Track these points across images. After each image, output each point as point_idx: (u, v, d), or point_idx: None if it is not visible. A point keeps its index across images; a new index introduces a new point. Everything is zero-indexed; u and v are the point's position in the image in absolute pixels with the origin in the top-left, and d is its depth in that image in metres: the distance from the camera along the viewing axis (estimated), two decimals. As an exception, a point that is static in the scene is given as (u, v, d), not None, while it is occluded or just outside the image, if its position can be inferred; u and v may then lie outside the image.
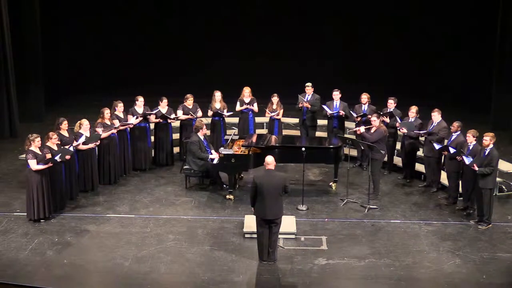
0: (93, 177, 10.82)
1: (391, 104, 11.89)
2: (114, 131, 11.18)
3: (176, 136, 12.73)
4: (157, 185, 11.35)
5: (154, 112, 12.01)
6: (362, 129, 10.91)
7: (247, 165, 10.60)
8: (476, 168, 9.30)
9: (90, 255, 8.60)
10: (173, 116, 12.20)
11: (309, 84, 12.74)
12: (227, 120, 13.03)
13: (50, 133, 9.75)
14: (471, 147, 9.74)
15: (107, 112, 11.14)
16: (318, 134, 13.41)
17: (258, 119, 13.31)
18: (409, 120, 11.32)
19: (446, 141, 10.55)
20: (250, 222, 9.05)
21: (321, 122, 13.43)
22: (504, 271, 8.26)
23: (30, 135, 9.48)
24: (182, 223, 9.67)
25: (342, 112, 12.32)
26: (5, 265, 8.23)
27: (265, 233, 8.24)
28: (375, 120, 10.66)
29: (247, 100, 12.73)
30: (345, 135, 12.57)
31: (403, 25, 17.88)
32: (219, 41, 18.47)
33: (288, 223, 9.16)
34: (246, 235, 9.08)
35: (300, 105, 12.64)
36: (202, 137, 10.99)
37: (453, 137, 10.32)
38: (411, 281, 7.97)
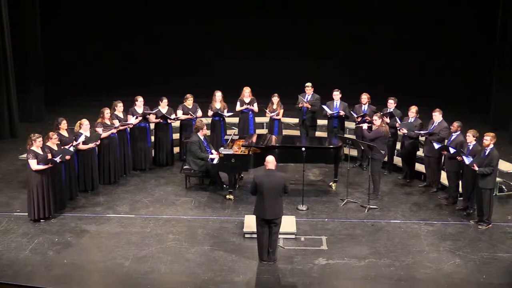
0: (93, 177, 10.82)
1: (391, 104, 11.90)
2: (114, 131, 11.18)
3: (176, 136, 12.73)
4: (157, 185, 11.35)
5: (154, 112, 12.02)
6: (364, 126, 10.97)
7: (247, 165, 10.59)
8: (476, 168, 9.30)
9: (90, 255, 8.60)
10: (173, 116, 12.20)
11: (309, 84, 12.75)
12: (227, 120, 13.02)
13: (50, 133, 9.75)
14: (471, 147, 9.73)
15: (107, 112, 11.14)
16: (318, 134, 13.41)
17: (258, 119, 13.32)
18: (409, 120, 11.32)
19: (446, 141, 10.55)
20: (250, 222, 9.05)
21: (321, 122, 13.44)
22: (504, 271, 8.26)
23: (32, 134, 9.46)
24: (182, 223, 9.67)
25: (342, 112, 12.32)
26: (5, 265, 8.22)
27: (265, 233, 8.23)
28: (376, 120, 10.67)
29: (247, 100, 12.73)
30: (345, 135, 12.57)
31: (403, 25, 17.86)
32: (219, 41, 18.46)
33: (288, 223, 9.15)
34: (246, 235, 9.08)
35: (300, 105, 12.65)
36: (202, 137, 10.99)
37: (453, 137, 10.31)
38: (411, 281, 7.97)
